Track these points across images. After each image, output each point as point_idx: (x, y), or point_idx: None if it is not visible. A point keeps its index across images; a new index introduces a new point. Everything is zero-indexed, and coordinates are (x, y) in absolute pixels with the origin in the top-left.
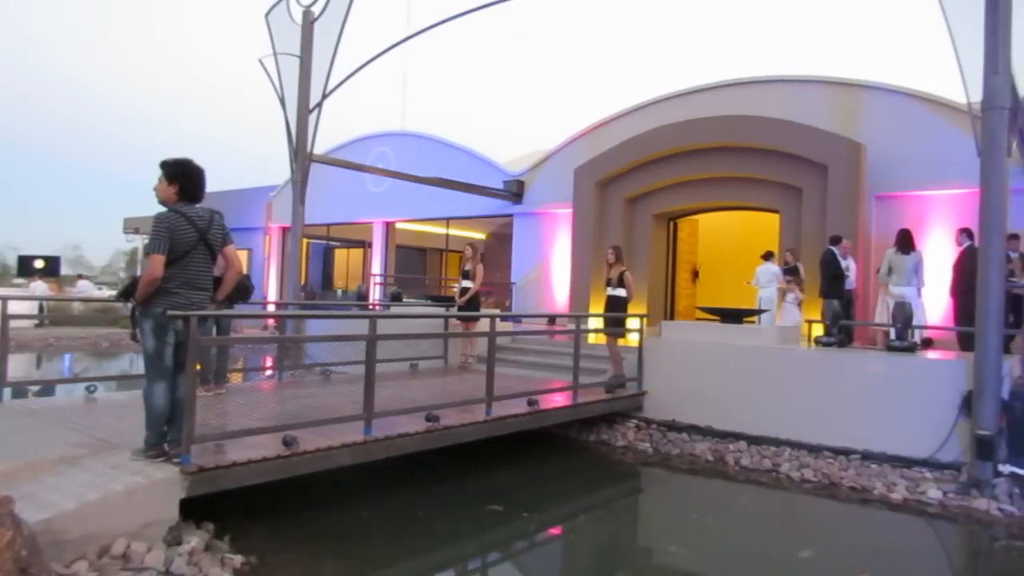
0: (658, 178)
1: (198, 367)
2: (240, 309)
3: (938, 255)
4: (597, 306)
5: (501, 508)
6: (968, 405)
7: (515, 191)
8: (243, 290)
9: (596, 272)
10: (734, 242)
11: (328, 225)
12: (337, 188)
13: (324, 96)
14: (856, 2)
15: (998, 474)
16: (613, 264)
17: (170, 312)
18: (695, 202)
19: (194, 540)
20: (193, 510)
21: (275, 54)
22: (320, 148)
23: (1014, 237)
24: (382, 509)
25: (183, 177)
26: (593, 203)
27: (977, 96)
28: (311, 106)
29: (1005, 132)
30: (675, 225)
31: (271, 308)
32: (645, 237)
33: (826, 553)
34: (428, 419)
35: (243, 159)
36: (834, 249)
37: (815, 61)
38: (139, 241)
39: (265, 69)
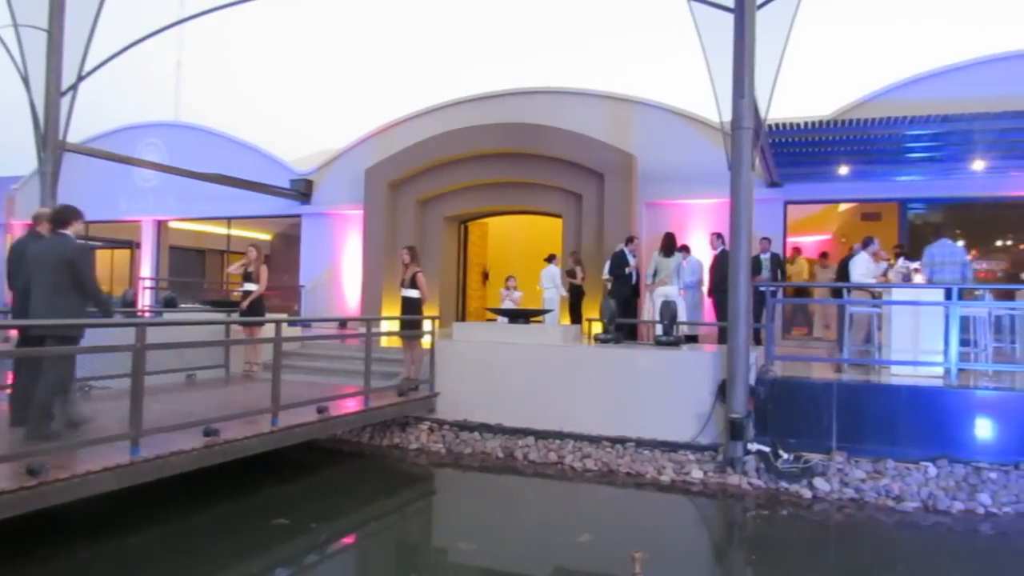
0: (449, 181)
1: None
2: None
3: (699, 257)
4: (391, 308)
5: (288, 521)
6: (723, 392)
7: (303, 191)
8: None
9: (388, 274)
10: (522, 245)
11: (88, 223)
12: (98, 181)
13: (80, 78)
14: (629, 26)
15: (747, 452)
16: (408, 265)
17: None
18: (485, 205)
19: None
20: None
21: (15, 25)
22: (79, 136)
23: (766, 239)
24: (154, 535)
25: None
26: (385, 204)
27: (728, 116)
28: (64, 88)
29: (750, 149)
30: (466, 228)
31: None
32: (437, 239)
33: (603, 536)
34: (207, 433)
35: None
36: (625, 248)
37: (594, 77)
38: None
39: (3, 43)
